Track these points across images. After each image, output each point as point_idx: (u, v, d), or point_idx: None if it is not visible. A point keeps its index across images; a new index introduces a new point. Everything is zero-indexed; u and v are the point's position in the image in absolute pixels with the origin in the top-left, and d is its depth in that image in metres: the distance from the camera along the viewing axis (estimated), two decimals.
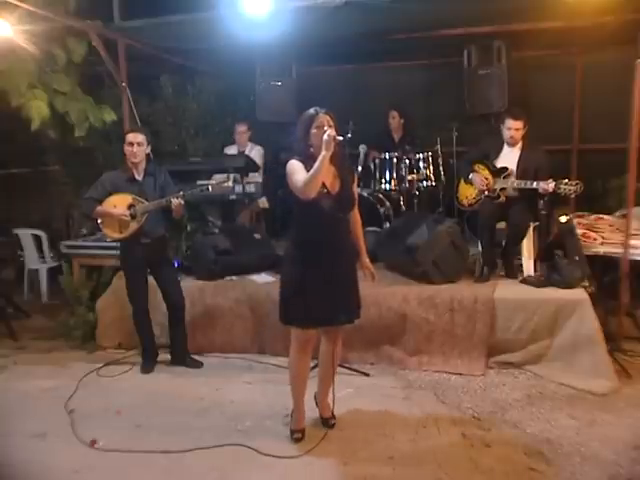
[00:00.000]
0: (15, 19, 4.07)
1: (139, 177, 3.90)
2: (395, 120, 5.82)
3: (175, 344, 4.12)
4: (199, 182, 4.65)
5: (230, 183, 3.97)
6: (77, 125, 4.90)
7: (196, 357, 4.15)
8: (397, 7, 4.14)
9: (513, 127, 4.19)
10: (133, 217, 3.80)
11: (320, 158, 2.60)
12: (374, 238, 4.91)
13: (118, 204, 3.81)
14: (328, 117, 2.75)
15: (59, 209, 6.53)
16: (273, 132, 6.26)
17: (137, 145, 3.79)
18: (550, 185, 3.95)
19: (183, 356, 4.11)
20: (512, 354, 3.84)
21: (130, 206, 3.81)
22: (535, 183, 4.05)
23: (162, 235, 4.01)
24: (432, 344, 3.93)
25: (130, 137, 3.80)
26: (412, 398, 3.49)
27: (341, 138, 2.65)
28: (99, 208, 3.82)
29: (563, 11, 4.19)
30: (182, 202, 3.76)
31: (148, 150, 3.92)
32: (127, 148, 3.81)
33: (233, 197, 5.06)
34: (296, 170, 2.73)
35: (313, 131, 2.74)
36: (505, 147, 4.34)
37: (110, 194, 3.84)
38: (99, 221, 3.91)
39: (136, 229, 3.82)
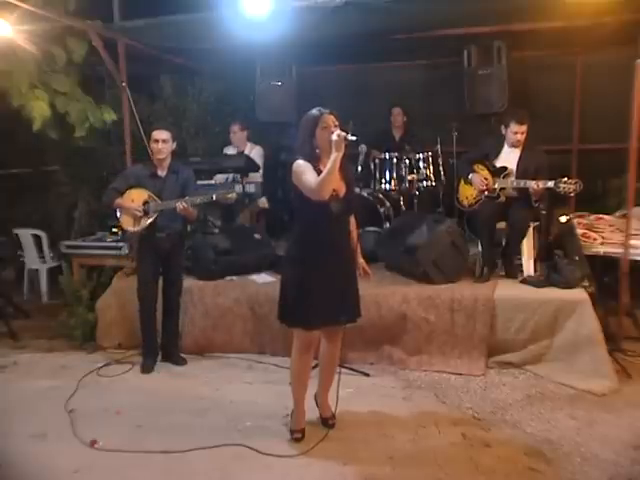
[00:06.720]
0: (15, 19, 4.08)
1: (162, 173, 3.97)
2: (398, 117, 5.81)
3: (166, 340, 4.14)
4: (199, 182, 4.65)
5: (234, 195, 4.03)
6: (77, 125, 4.91)
7: (197, 357, 4.16)
8: (397, 7, 4.15)
9: (519, 131, 4.20)
10: (146, 213, 3.90)
11: (332, 159, 2.58)
12: (374, 238, 4.91)
13: (136, 198, 3.93)
14: (333, 117, 2.74)
15: (59, 209, 6.52)
16: (273, 132, 6.27)
17: (162, 142, 3.88)
18: (541, 185, 3.94)
19: (171, 352, 4.13)
20: (512, 354, 3.84)
21: (145, 202, 3.91)
22: (526, 182, 4.04)
23: (179, 230, 4.07)
24: (432, 344, 3.93)
25: (155, 134, 3.89)
26: (412, 398, 3.49)
27: (354, 138, 2.62)
28: (118, 200, 3.95)
29: (563, 11, 4.19)
30: (184, 206, 3.80)
31: (174, 147, 3.99)
32: (152, 145, 3.91)
33: None
34: (305, 170, 2.70)
35: (319, 132, 2.73)
36: (505, 147, 4.34)
37: (132, 187, 3.93)
38: (118, 211, 4.02)
39: (147, 225, 3.91)
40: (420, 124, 6.02)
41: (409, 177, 5.28)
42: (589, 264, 4.03)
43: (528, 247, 4.37)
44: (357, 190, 5.11)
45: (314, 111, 2.78)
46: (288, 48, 5.38)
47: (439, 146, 5.48)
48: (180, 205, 3.80)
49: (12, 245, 6.07)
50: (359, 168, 5.51)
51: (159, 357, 4.14)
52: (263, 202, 5.69)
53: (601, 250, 4.21)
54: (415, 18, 4.47)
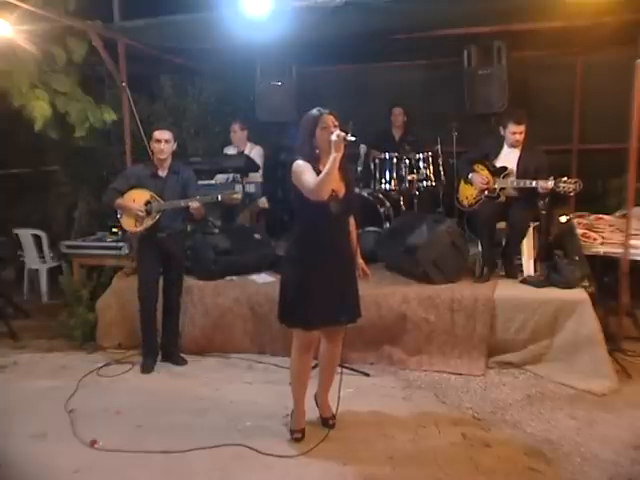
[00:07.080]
0: (15, 19, 4.08)
1: (162, 174, 3.98)
2: (399, 117, 5.82)
3: (166, 340, 4.14)
4: (200, 182, 4.66)
5: (239, 196, 4.04)
6: (77, 125, 4.91)
7: (197, 357, 4.16)
8: (397, 7, 4.15)
9: (517, 131, 4.20)
10: (148, 213, 3.90)
11: (331, 159, 2.58)
12: (374, 238, 4.91)
13: (137, 199, 3.92)
14: (332, 117, 2.74)
15: (59, 209, 6.53)
16: (273, 132, 6.27)
17: (164, 142, 3.89)
18: (549, 183, 3.96)
19: (171, 352, 4.14)
20: (512, 354, 3.84)
21: (147, 202, 3.91)
22: (534, 182, 4.05)
23: (180, 230, 4.09)
24: (432, 344, 3.93)
25: (157, 134, 3.90)
26: (412, 398, 3.49)
27: (353, 138, 2.61)
28: (119, 200, 3.94)
29: (563, 11, 4.19)
30: (198, 205, 3.83)
31: (174, 147, 3.99)
32: (154, 145, 3.90)
33: None
34: (304, 171, 2.70)
35: (318, 132, 2.73)
36: (505, 147, 4.34)
37: (132, 187, 3.93)
38: (118, 211, 4.02)
39: (150, 225, 3.92)
40: (420, 124, 6.03)
41: (409, 177, 5.27)
42: (589, 264, 4.03)
43: (528, 247, 4.37)
44: (357, 190, 5.11)
45: (314, 111, 2.78)
46: (288, 48, 5.38)
47: (439, 146, 5.48)
48: (194, 204, 3.82)
49: (12, 245, 6.08)
50: (359, 168, 5.51)
51: (159, 357, 4.14)
52: (263, 202, 5.69)
53: (601, 250, 4.21)
54: (415, 18, 4.48)
